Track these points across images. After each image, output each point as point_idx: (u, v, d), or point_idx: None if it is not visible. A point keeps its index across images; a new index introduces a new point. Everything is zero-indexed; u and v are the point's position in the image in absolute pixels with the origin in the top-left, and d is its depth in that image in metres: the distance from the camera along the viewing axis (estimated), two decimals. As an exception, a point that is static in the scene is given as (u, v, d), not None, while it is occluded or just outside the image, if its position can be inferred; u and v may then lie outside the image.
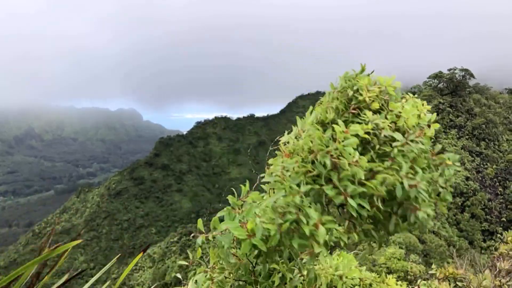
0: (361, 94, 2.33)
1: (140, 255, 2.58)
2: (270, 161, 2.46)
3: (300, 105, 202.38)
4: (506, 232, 6.83)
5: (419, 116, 2.34)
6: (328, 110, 2.39)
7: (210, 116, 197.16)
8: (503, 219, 60.75)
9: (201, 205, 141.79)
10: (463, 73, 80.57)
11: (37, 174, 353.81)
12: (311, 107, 2.62)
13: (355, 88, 2.36)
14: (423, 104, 2.43)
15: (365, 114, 2.26)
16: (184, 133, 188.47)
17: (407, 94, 2.49)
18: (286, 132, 2.58)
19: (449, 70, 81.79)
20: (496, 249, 6.55)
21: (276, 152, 2.66)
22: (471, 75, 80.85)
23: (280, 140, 2.56)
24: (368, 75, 2.47)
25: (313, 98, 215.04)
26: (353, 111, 2.34)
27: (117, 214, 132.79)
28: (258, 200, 2.36)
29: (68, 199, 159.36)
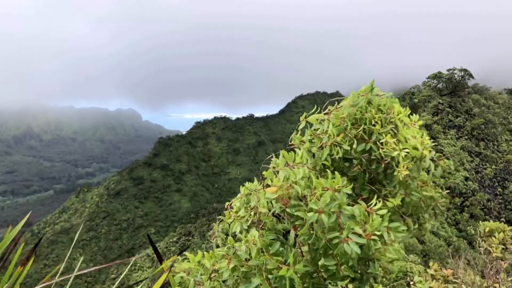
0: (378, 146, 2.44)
1: (174, 257, 2.56)
2: (265, 174, 2.52)
3: (300, 105, 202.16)
4: (479, 223, 6.78)
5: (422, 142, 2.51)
6: (338, 150, 2.43)
7: (210, 116, 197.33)
8: (502, 219, 60.68)
9: (200, 205, 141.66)
10: (462, 73, 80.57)
11: (36, 174, 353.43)
12: (301, 124, 2.63)
13: (373, 138, 2.44)
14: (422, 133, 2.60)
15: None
16: (184, 133, 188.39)
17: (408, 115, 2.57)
18: (274, 155, 2.62)
19: (448, 70, 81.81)
20: (483, 239, 6.54)
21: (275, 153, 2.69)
22: (470, 76, 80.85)
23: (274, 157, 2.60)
24: (377, 94, 2.52)
25: (312, 98, 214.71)
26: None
27: (116, 214, 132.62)
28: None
29: (67, 199, 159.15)
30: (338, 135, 2.43)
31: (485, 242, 6.37)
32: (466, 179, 64.65)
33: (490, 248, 5.85)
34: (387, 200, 2.37)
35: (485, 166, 68.41)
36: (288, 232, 2.53)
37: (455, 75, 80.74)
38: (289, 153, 2.58)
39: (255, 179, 3.20)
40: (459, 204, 61.32)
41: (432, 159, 2.52)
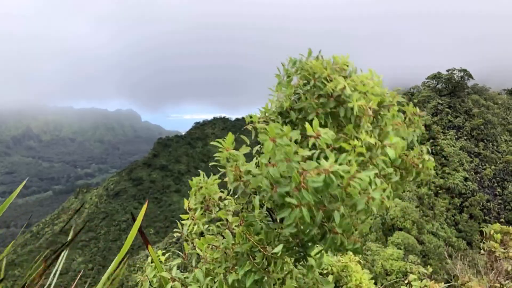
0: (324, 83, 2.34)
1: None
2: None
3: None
4: (487, 226, 6.78)
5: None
6: (285, 98, 2.42)
7: (209, 117, 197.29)
8: (502, 219, 60.81)
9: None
10: (462, 73, 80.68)
11: (35, 175, 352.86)
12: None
13: (317, 76, 2.35)
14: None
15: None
16: (183, 133, 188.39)
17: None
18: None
19: (448, 70, 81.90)
20: (484, 242, 6.52)
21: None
22: (470, 76, 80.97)
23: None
24: (317, 57, 2.47)
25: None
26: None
27: (115, 215, 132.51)
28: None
29: (66, 199, 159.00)
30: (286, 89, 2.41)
31: (484, 243, 6.36)
32: (466, 179, 64.70)
33: (493, 249, 5.83)
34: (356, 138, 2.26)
35: (484, 167, 68.48)
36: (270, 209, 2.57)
37: (455, 76, 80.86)
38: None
39: (201, 172, 3.24)
40: (458, 204, 61.35)
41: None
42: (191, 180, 3.16)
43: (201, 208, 3.03)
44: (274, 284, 2.47)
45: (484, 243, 6.31)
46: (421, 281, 6.29)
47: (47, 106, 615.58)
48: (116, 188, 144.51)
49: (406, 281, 6.12)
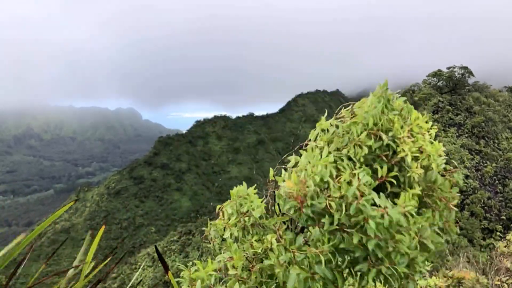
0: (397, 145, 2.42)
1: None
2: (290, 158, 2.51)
3: (300, 104, 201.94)
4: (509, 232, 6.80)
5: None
6: (359, 151, 2.44)
7: (210, 115, 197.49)
8: (503, 217, 60.79)
9: (201, 204, 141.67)
10: (462, 71, 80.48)
11: (36, 174, 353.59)
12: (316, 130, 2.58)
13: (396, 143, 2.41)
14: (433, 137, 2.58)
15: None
16: (184, 132, 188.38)
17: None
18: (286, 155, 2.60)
19: (448, 68, 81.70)
20: (494, 247, 6.53)
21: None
22: (470, 73, 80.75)
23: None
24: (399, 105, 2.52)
25: (313, 97, 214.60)
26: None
27: (116, 213, 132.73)
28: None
29: (68, 198, 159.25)
30: (361, 134, 2.40)
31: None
32: (467, 177, 64.65)
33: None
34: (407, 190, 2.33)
35: (485, 164, 68.41)
36: (301, 230, 2.56)
37: (455, 73, 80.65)
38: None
39: (244, 183, 3.15)
40: (459, 202, 61.18)
41: (441, 174, 2.46)
42: (236, 187, 3.05)
43: (236, 217, 2.91)
44: None
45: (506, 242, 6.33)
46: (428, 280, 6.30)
47: (47, 105, 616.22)
48: (117, 186, 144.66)
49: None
